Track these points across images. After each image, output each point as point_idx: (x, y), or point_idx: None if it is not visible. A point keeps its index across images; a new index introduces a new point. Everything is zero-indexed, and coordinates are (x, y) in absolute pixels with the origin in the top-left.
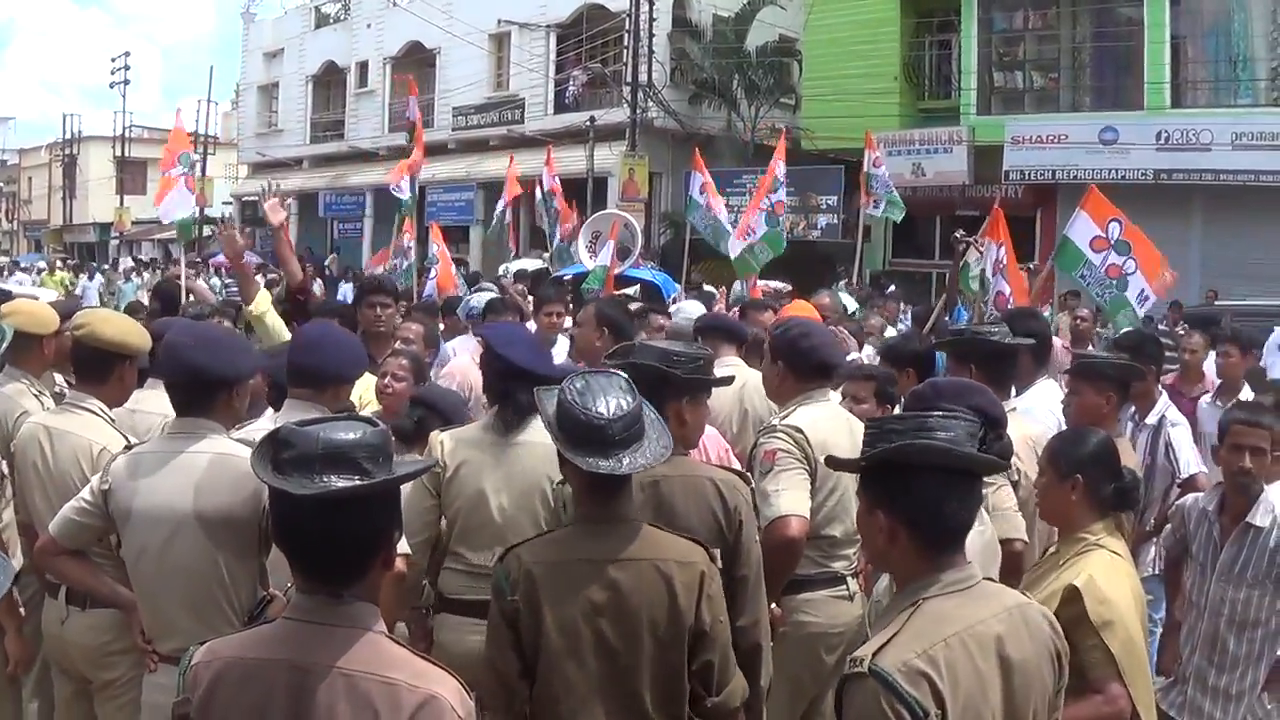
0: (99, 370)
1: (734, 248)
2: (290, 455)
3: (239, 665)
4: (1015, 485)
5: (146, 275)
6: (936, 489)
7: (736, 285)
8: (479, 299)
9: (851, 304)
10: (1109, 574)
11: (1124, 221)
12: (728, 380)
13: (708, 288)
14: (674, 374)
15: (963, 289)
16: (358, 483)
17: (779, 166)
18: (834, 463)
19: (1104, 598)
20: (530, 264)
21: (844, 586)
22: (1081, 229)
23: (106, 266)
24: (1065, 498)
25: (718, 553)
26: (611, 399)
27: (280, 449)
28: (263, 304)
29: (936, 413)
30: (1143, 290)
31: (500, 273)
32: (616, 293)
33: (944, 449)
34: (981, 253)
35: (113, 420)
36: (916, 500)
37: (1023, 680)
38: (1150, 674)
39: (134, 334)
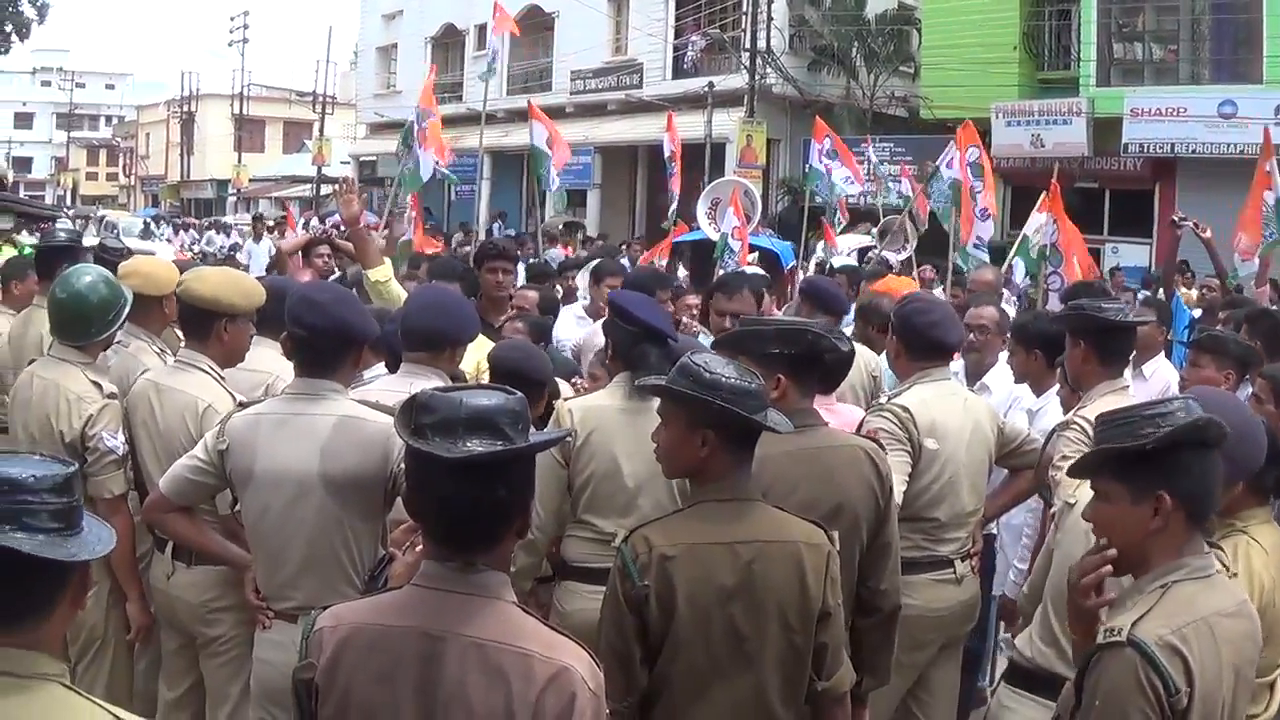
0: (198, 328)
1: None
2: (432, 420)
3: (367, 631)
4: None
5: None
6: (1214, 471)
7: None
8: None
9: None
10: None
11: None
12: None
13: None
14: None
15: (1020, 258)
16: (501, 447)
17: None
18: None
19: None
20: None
21: (950, 570)
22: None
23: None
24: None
25: (835, 534)
26: (742, 370)
27: (422, 413)
28: (386, 270)
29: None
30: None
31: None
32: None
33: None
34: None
35: (222, 379)
36: (1199, 481)
37: (1244, 676)
38: None
39: (229, 291)
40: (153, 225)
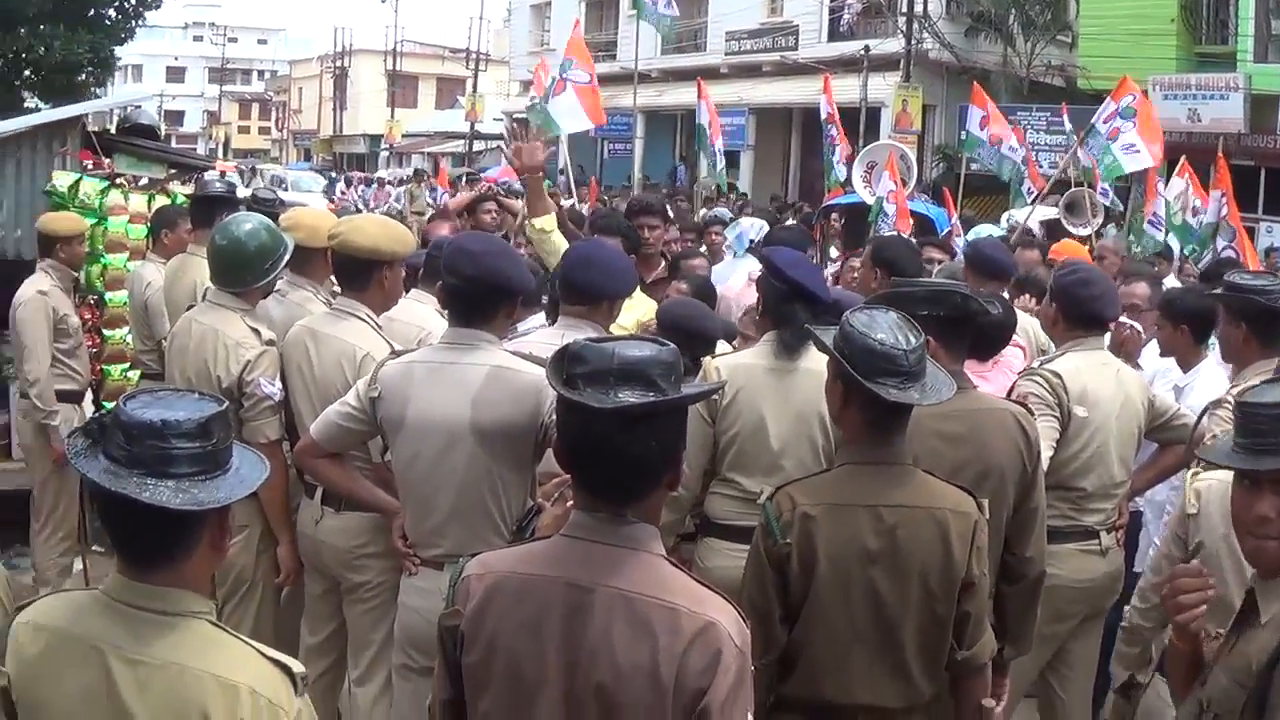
0: (357, 277)
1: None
2: (584, 370)
3: (515, 580)
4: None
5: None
6: None
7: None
8: (750, 225)
9: None
10: None
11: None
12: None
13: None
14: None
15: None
16: (653, 398)
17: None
18: None
19: None
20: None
21: (1095, 541)
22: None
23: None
24: None
25: (985, 503)
26: (899, 332)
27: (574, 364)
28: (551, 221)
29: None
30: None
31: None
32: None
33: None
34: None
35: (379, 327)
36: None
37: None
38: None
39: (387, 239)
40: (341, 183)
